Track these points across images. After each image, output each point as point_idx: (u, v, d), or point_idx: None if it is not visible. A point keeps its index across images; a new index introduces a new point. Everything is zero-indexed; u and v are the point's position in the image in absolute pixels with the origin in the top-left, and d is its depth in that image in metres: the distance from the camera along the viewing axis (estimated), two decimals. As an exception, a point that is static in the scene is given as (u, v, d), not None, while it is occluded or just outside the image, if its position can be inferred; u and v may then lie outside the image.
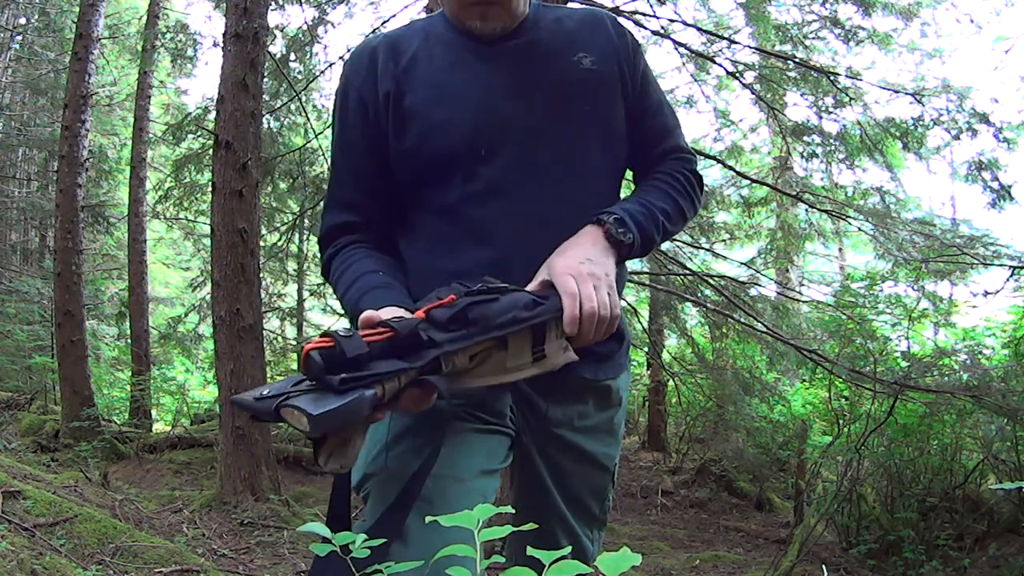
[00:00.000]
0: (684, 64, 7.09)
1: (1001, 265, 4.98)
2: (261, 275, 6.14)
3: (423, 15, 5.52)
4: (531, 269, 1.11)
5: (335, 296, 1.24)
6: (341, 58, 7.21)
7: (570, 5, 5.04)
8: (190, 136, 8.09)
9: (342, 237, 1.24)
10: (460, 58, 1.21)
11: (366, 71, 1.22)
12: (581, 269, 1.04)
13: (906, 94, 5.87)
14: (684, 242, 6.88)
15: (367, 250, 1.21)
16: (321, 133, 7.58)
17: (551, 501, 1.26)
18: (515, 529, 0.75)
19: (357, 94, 1.22)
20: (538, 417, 1.23)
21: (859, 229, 6.23)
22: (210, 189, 5.61)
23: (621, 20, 1.32)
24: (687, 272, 6.17)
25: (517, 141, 1.17)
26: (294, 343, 10.74)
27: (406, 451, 1.09)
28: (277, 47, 7.12)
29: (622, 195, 1.30)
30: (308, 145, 7.45)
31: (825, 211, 6.50)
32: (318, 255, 1.32)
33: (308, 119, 7.64)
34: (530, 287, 1.07)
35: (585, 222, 1.15)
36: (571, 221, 1.14)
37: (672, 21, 6.26)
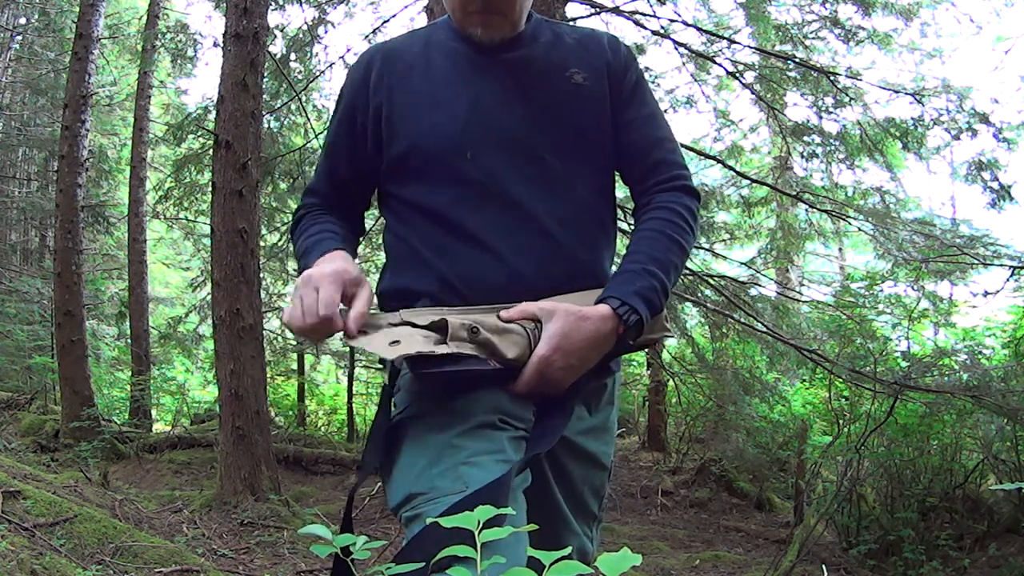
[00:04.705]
0: (684, 64, 7.10)
1: (1001, 265, 4.99)
2: (261, 275, 6.14)
3: (423, 15, 5.52)
4: (515, 268, 1.18)
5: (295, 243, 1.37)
6: (342, 58, 7.21)
7: (571, 4, 5.04)
8: (190, 136, 8.09)
9: (314, 209, 1.37)
10: (456, 67, 1.27)
11: (361, 81, 1.30)
12: (562, 376, 1.13)
13: (906, 94, 5.87)
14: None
15: (335, 218, 1.35)
16: (321, 133, 7.57)
17: (554, 501, 1.28)
18: (515, 530, 0.75)
19: (350, 101, 1.32)
20: None
21: (859, 229, 6.22)
22: (210, 189, 5.61)
23: (620, 20, 1.34)
24: (687, 272, 6.16)
25: (503, 148, 1.22)
26: (294, 343, 10.73)
27: (451, 467, 1.06)
28: (277, 47, 7.12)
29: (615, 195, 1.36)
30: (308, 145, 7.45)
31: (825, 211, 6.49)
32: None
33: (308, 119, 7.64)
34: (512, 314, 1.14)
35: (578, 230, 1.23)
36: (553, 225, 1.21)
37: (672, 21, 6.26)
